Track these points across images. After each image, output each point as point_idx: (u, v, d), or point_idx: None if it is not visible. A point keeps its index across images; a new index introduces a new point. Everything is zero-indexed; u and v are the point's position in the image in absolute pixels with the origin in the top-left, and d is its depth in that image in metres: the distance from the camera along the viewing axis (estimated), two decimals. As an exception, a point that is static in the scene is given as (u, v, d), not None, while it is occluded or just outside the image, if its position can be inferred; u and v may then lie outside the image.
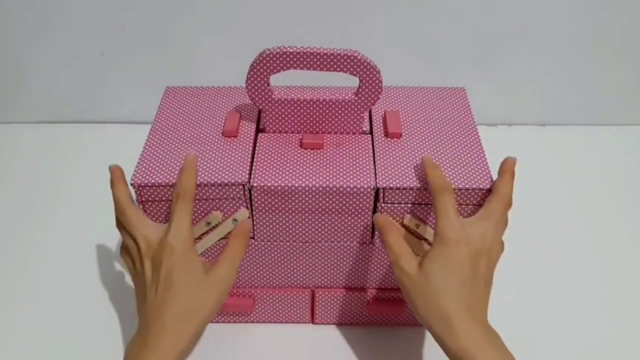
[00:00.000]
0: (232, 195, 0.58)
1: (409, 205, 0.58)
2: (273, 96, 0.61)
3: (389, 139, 0.63)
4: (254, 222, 0.60)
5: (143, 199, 0.58)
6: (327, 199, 0.58)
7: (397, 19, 0.89)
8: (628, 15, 0.89)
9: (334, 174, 0.59)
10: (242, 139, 0.62)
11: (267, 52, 0.58)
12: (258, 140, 0.63)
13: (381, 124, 0.65)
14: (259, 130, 0.64)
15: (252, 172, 0.59)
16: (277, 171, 0.59)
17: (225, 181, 0.57)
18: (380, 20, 0.89)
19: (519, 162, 0.59)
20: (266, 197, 0.58)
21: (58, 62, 0.94)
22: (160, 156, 0.60)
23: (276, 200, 0.58)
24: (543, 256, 0.78)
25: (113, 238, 0.77)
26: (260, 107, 0.62)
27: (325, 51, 0.58)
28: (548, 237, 0.80)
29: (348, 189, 0.57)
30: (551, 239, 0.80)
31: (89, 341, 0.67)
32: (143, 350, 0.51)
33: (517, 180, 0.57)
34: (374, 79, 0.60)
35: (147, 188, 0.57)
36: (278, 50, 0.58)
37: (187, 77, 0.71)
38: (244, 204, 0.59)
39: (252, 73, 0.59)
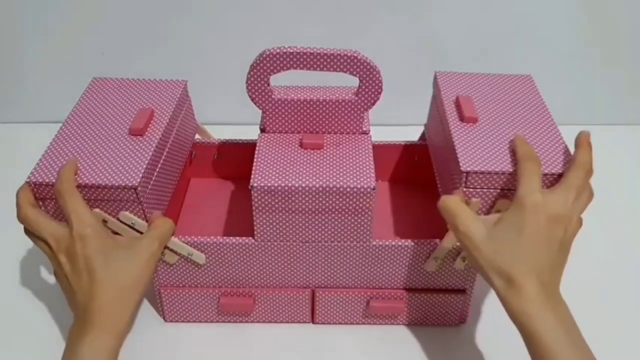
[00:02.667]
0: (125, 198, 0.57)
1: (491, 190, 0.58)
2: (273, 96, 0.61)
3: (465, 124, 0.62)
4: (254, 222, 0.60)
5: (40, 196, 0.58)
6: (327, 199, 0.58)
7: (397, 19, 0.89)
8: (628, 15, 0.89)
9: (334, 174, 0.58)
10: (147, 139, 0.61)
11: (267, 52, 0.58)
12: (258, 141, 0.63)
13: (454, 109, 0.64)
14: (262, 131, 0.65)
15: (253, 172, 0.59)
16: (277, 171, 0.59)
17: (116, 184, 0.56)
18: (380, 20, 0.89)
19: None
20: (266, 197, 0.58)
21: (58, 62, 0.94)
22: (63, 154, 0.59)
23: (276, 200, 0.58)
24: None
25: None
26: (261, 107, 0.62)
27: (325, 51, 0.58)
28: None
29: (348, 189, 0.57)
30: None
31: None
32: (84, 331, 0.52)
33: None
34: (374, 79, 0.60)
35: (43, 187, 0.57)
36: (278, 50, 0.58)
37: (187, 77, 0.71)
38: (137, 207, 0.58)
39: (252, 73, 0.59)
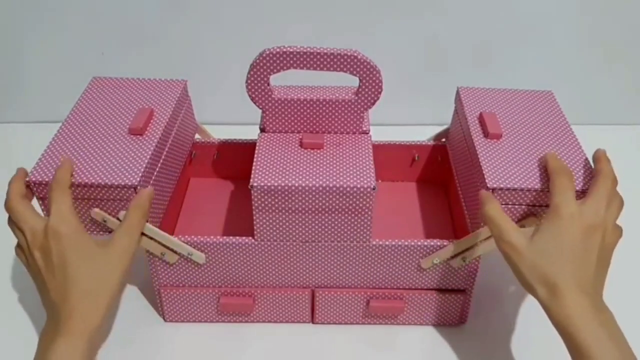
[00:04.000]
0: (124, 197, 0.57)
1: (517, 206, 0.58)
2: (273, 96, 0.61)
3: (489, 140, 0.62)
4: (254, 222, 0.60)
5: (40, 195, 0.58)
6: (327, 199, 0.58)
7: (397, 19, 0.89)
8: (628, 16, 0.89)
9: (334, 174, 0.58)
10: (147, 138, 0.61)
11: (267, 52, 0.58)
12: (258, 140, 0.63)
13: (478, 125, 0.65)
14: (262, 131, 0.65)
15: (253, 171, 0.59)
16: (277, 171, 0.59)
17: (115, 183, 0.56)
18: (380, 20, 0.89)
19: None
20: (266, 197, 0.58)
21: (58, 62, 0.94)
22: (62, 153, 0.59)
23: (276, 200, 0.58)
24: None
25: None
26: (260, 107, 0.62)
27: (325, 51, 0.58)
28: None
29: (348, 189, 0.57)
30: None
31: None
32: (55, 335, 0.51)
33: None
34: (374, 79, 0.60)
35: (44, 185, 0.57)
36: (278, 50, 0.58)
37: (187, 77, 0.71)
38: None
39: (252, 73, 0.59)
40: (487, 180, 0.58)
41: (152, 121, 0.63)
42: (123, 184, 0.56)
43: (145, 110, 0.64)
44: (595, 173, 0.58)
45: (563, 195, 0.54)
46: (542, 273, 0.52)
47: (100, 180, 0.56)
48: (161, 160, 0.62)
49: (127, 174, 0.57)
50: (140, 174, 0.57)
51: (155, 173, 0.61)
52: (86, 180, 0.56)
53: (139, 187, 0.56)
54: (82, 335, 0.52)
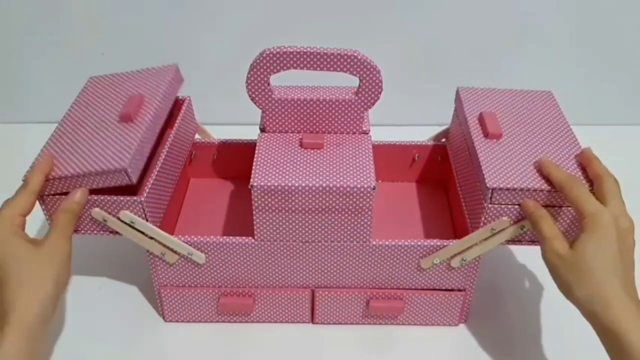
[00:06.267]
0: (120, 182, 0.57)
1: (516, 206, 0.58)
2: (273, 96, 0.61)
3: (489, 140, 0.63)
4: (254, 222, 0.60)
5: (42, 193, 0.58)
6: (327, 199, 0.58)
7: (397, 19, 0.89)
8: (629, 16, 0.89)
9: (334, 174, 0.58)
10: (137, 124, 0.61)
11: (267, 52, 0.58)
12: (258, 140, 0.63)
13: (478, 125, 0.65)
14: (262, 130, 0.65)
15: (253, 171, 0.59)
16: (277, 171, 0.59)
17: (105, 168, 0.56)
18: (380, 20, 0.89)
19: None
20: (266, 197, 0.58)
21: (58, 62, 0.94)
22: (59, 149, 0.60)
23: (276, 200, 0.58)
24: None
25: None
26: (260, 107, 0.62)
27: (325, 51, 0.58)
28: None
29: (348, 189, 0.57)
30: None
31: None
32: None
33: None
34: (374, 79, 0.60)
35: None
36: (278, 50, 0.58)
37: (187, 77, 0.71)
38: (137, 205, 0.58)
39: (252, 73, 0.60)
40: (486, 181, 0.58)
41: (142, 107, 0.63)
42: (114, 168, 0.56)
43: (137, 97, 0.64)
44: (595, 175, 0.58)
45: (591, 203, 0.54)
46: (591, 283, 0.52)
47: (92, 168, 0.57)
48: (161, 160, 0.62)
49: (116, 158, 0.57)
50: (127, 157, 0.57)
51: (155, 173, 0.61)
52: (78, 171, 0.57)
53: (129, 170, 0.56)
54: (19, 328, 0.52)
